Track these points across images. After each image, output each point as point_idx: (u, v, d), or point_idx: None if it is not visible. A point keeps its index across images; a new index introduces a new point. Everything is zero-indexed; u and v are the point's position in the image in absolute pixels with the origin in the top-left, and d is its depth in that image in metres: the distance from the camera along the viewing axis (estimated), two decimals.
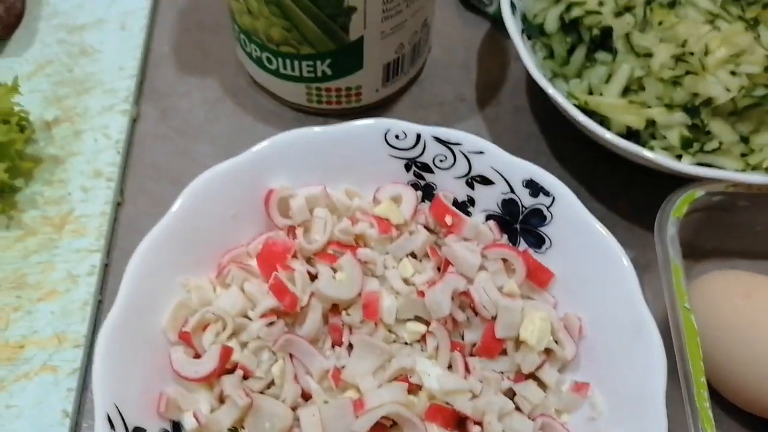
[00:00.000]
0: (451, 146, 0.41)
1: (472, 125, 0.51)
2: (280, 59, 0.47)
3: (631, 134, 0.43)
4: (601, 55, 0.45)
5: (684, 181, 0.41)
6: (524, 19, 0.47)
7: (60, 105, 0.49)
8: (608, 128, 0.43)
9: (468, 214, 0.42)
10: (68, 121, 0.49)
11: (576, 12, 0.45)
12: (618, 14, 0.45)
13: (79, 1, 0.54)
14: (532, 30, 0.47)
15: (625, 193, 0.48)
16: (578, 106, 0.43)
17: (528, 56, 0.43)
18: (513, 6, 0.46)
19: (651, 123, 0.42)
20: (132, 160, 0.49)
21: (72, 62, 0.51)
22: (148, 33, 0.54)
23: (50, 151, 0.48)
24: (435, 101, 0.52)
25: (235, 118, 0.51)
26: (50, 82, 0.50)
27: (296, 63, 0.46)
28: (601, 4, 0.45)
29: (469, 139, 0.40)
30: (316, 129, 0.41)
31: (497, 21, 0.55)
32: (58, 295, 0.43)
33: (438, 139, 0.41)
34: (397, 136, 0.41)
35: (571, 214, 0.39)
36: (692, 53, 0.42)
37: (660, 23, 0.44)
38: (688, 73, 0.42)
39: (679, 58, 0.42)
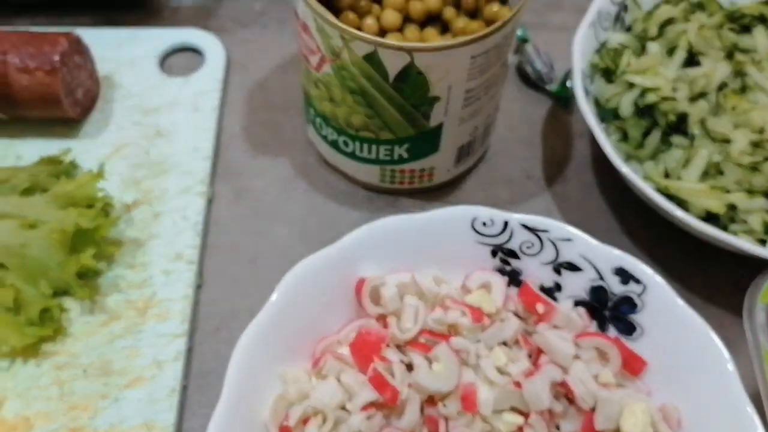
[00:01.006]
0: (539, 233, 0.41)
1: (541, 202, 0.52)
2: (357, 143, 0.48)
3: (710, 217, 0.44)
4: (676, 139, 0.46)
5: (763, 262, 0.41)
6: (597, 103, 0.48)
7: (138, 187, 0.50)
8: (686, 210, 0.43)
9: (554, 300, 0.42)
10: (147, 204, 0.50)
11: (651, 98, 0.46)
12: (692, 99, 0.46)
13: (153, 82, 0.56)
14: (606, 114, 0.48)
15: (698, 270, 0.49)
16: (657, 189, 0.43)
17: (605, 140, 0.44)
18: (586, 91, 0.47)
19: (731, 207, 0.43)
20: (209, 241, 0.50)
21: (148, 144, 0.53)
22: (220, 113, 0.55)
23: (131, 234, 0.49)
24: (503, 179, 0.53)
25: (308, 197, 0.52)
26: (127, 165, 0.52)
27: (374, 147, 0.48)
28: (674, 89, 0.46)
29: (556, 227, 0.41)
30: (405, 217, 0.42)
31: (559, 99, 0.56)
32: (144, 381, 0.43)
33: (525, 227, 0.41)
34: (484, 224, 0.42)
35: (664, 303, 0.39)
36: None
37: (733, 108, 0.45)
38: (766, 159, 0.43)
39: (756, 144, 0.43)
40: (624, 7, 0.52)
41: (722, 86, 0.46)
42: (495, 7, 0.49)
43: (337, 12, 0.48)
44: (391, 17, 0.48)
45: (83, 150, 0.52)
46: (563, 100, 0.56)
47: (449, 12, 0.51)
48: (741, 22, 0.50)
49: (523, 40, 0.59)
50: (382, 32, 0.48)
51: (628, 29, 0.52)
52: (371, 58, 0.41)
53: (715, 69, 0.46)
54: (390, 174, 0.50)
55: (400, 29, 0.49)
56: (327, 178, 0.53)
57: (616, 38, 0.51)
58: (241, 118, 0.55)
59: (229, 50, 0.59)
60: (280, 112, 0.56)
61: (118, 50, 0.57)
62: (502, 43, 0.43)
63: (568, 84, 0.56)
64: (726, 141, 0.44)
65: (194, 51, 0.59)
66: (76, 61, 0.52)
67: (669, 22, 0.49)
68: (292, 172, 0.53)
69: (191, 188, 0.51)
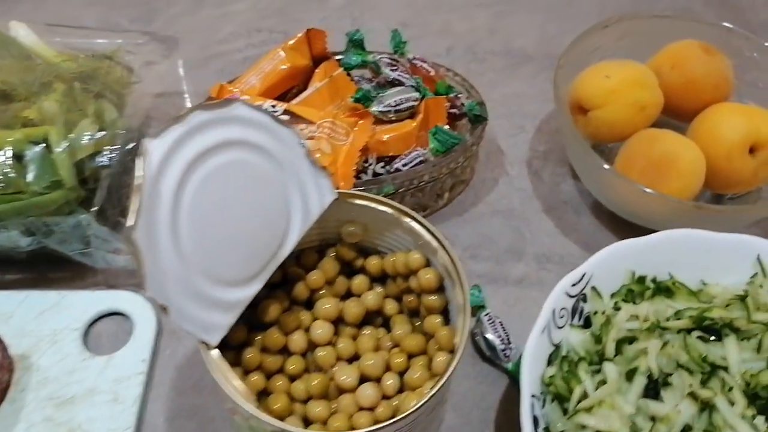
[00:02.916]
0: None
1: None
2: None
3: None
4: None
5: None
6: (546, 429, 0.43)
7: None
8: None
9: None
10: None
11: None
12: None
13: (72, 363, 0.51)
14: None
15: None
16: None
17: None
18: (535, 420, 0.42)
19: None
20: None
21: None
22: (142, 404, 0.50)
23: None
24: None
25: None
26: None
27: None
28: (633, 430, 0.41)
29: None
30: None
31: (516, 380, 0.51)
32: None
33: None
34: None
35: None
36: None
37: None
38: None
39: None
40: (583, 297, 0.48)
41: (687, 428, 0.41)
42: (436, 319, 0.44)
43: (262, 327, 0.44)
44: (321, 330, 0.44)
45: None
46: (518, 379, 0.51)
47: (390, 308, 0.47)
48: (712, 326, 0.45)
49: (479, 307, 0.55)
50: (312, 346, 0.44)
51: (586, 322, 0.48)
52: None
53: (677, 411, 0.40)
54: None
55: (331, 342, 0.44)
56: None
57: (573, 339, 0.46)
58: (166, 408, 0.51)
59: (161, 317, 0.54)
60: (210, 395, 0.51)
61: (40, 321, 0.53)
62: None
63: None
64: None
65: (124, 316, 0.55)
66: None
67: (628, 340, 0.44)
68: None
69: None
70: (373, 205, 0.44)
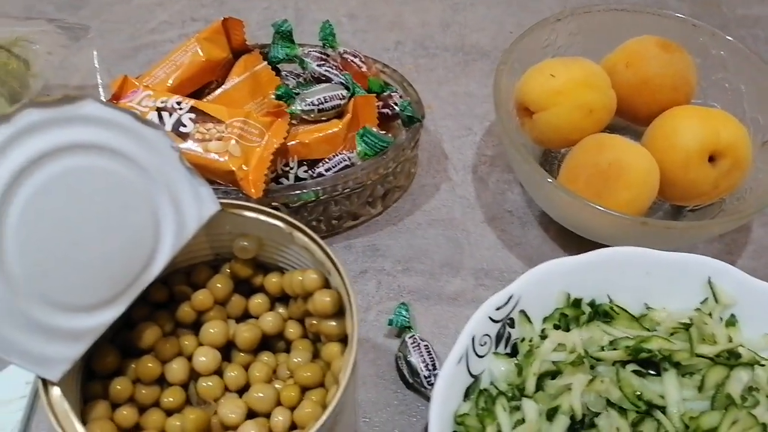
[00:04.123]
0: None
1: None
2: None
3: None
4: None
5: None
6: None
7: None
8: None
9: None
10: None
11: None
12: None
13: None
14: None
15: None
16: None
17: None
18: None
19: None
20: None
21: None
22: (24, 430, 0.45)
23: None
24: None
25: None
26: None
27: None
28: None
29: None
30: None
31: None
32: None
33: None
34: None
35: None
36: None
37: None
38: None
39: None
40: (510, 323, 0.42)
41: None
42: (334, 348, 0.39)
43: (135, 352, 0.39)
44: (205, 358, 0.39)
45: None
46: None
47: (292, 332, 0.41)
48: (651, 359, 0.40)
49: (405, 327, 0.49)
50: (195, 375, 0.39)
51: (514, 349, 0.42)
52: None
53: None
54: None
55: (218, 371, 0.39)
56: None
57: (496, 369, 0.41)
58: None
59: None
60: None
61: None
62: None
63: None
64: None
65: None
66: None
67: (551, 374, 0.39)
68: None
69: None
70: (264, 217, 0.39)
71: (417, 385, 0.47)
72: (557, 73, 0.52)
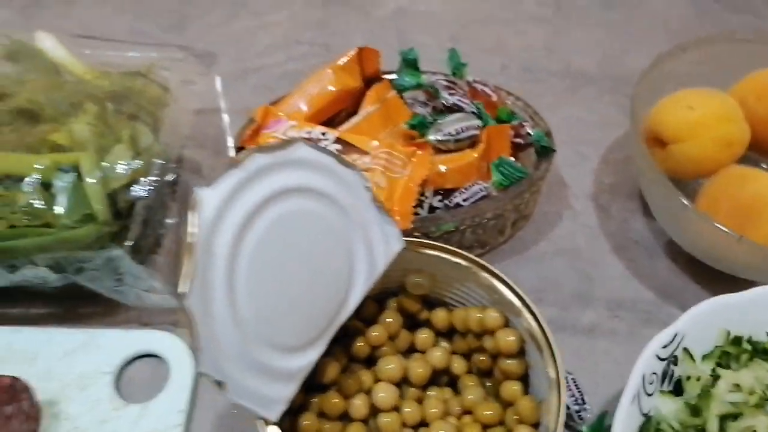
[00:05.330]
0: None
1: None
2: None
3: None
4: None
5: None
6: None
7: None
8: None
9: None
10: None
11: None
12: None
13: (103, 412, 0.46)
14: None
15: None
16: None
17: None
18: None
19: None
20: None
21: None
22: None
23: None
24: None
25: None
26: None
27: None
28: None
29: None
30: None
31: None
32: None
33: None
34: None
35: None
36: None
37: None
38: None
39: None
40: (674, 360, 0.42)
41: None
42: (514, 387, 0.39)
43: (319, 388, 0.39)
44: (385, 394, 0.39)
45: None
46: None
47: (458, 367, 0.42)
48: None
49: None
50: (374, 410, 0.39)
51: (677, 387, 0.42)
52: None
53: None
54: None
55: (395, 406, 0.40)
56: None
57: (664, 408, 0.41)
58: None
59: None
60: None
61: (68, 362, 0.49)
62: None
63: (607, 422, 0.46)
64: None
65: (159, 358, 0.50)
66: (7, 412, 0.43)
67: (732, 416, 0.39)
68: None
69: None
70: (445, 255, 0.39)
71: (567, 419, 0.48)
72: (694, 104, 0.52)
